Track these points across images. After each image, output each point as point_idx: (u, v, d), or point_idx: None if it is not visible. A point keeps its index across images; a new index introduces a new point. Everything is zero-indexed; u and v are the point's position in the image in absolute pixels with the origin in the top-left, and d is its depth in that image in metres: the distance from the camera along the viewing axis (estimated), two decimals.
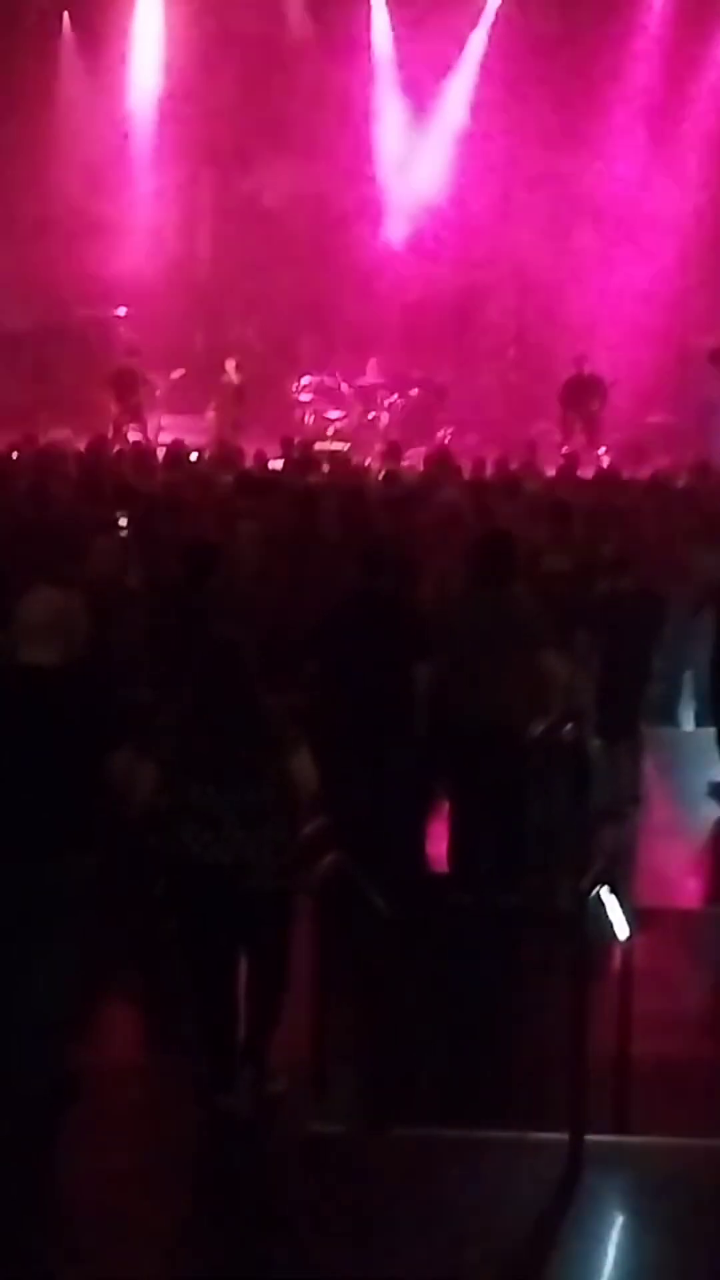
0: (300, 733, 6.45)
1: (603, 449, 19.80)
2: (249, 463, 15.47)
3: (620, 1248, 5.71)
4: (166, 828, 6.26)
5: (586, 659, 9.64)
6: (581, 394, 20.48)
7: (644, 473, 16.23)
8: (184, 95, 22.12)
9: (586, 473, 16.44)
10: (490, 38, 22.36)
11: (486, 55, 22.34)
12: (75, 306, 21.90)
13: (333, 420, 21.42)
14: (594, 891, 6.33)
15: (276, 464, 16.04)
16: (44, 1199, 5.79)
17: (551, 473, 15.73)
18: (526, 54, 21.49)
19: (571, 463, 16.89)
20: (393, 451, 17.01)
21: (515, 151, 21.75)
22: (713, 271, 21.56)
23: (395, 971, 6.96)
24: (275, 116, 22.26)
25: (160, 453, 16.19)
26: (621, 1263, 5.63)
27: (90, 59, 21.39)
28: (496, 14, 22.37)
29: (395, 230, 22.78)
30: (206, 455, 16.37)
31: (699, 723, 11.14)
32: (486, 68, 22.31)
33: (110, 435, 19.35)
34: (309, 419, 21.43)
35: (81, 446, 16.27)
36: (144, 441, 18.74)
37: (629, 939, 6.43)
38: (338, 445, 19.90)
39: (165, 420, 20.84)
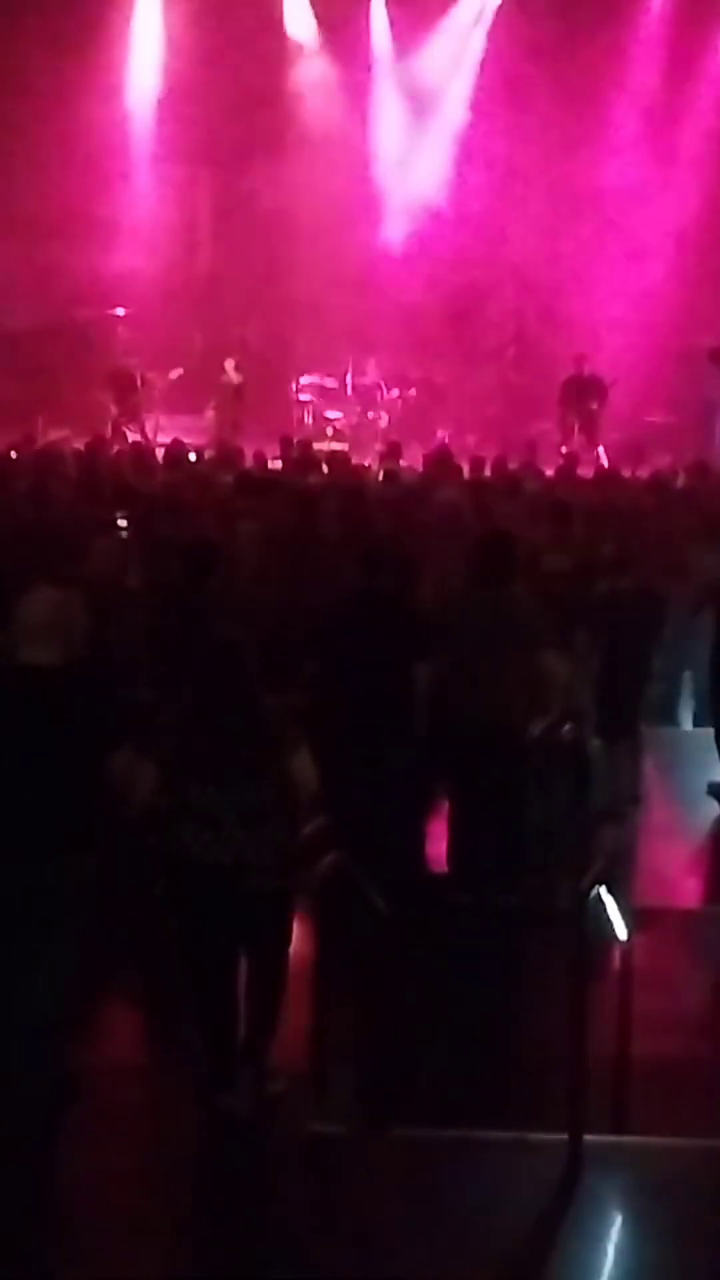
0: (300, 733, 6.45)
1: (602, 448, 19.81)
2: (248, 462, 15.47)
3: (619, 1248, 5.71)
4: (166, 828, 6.26)
5: (586, 659, 9.64)
6: (581, 394, 20.47)
7: (644, 472, 16.23)
8: (183, 95, 22.10)
9: (586, 472, 16.44)
10: (490, 38, 22.35)
11: (486, 55, 22.33)
12: (74, 306, 21.87)
13: (332, 420, 21.41)
14: (594, 891, 6.33)
15: (276, 464, 16.04)
16: (44, 1199, 5.79)
17: (551, 472, 15.73)
18: (526, 54, 21.48)
19: (571, 462, 16.89)
20: (392, 451, 17.00)
21: (515, 151, 21.73)
22: (713, 271, 21.54)
23: (395, 971, 6.98)
24: (276, 117, 22.25)
25: (159, 453, 16.20)
26: (621, 1263, 5.63)
27: (90, 59, 21.35)
28: (496, 14, 22.36)
29: (395, 230, 22.75)
30: (206, 455, 16.37)
31: (698, 723, 11.14)
32: (486, 68, 22.31)
33: (109, 435, 19.36)
34: (308, 419, 21.42)
35: (80, 446, 16.27)
36: (143, 441, 18.74)
37: (629, 939, 6.43)
38: (337, 445, 19.91)
39: (164, 420, 20.85)
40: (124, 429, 20.33)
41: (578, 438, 20.22)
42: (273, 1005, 6.43)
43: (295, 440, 17.88)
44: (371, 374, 21.80)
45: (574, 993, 6.11)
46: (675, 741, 11.16)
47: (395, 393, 21.65)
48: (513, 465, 15.89)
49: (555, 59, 21.27)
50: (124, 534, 10.94)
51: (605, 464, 18.11)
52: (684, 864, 9.53)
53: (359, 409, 21.58)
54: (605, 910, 6.37)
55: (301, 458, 16.17)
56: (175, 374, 21.47)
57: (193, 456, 16.12)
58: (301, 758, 6.38)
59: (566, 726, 8.93)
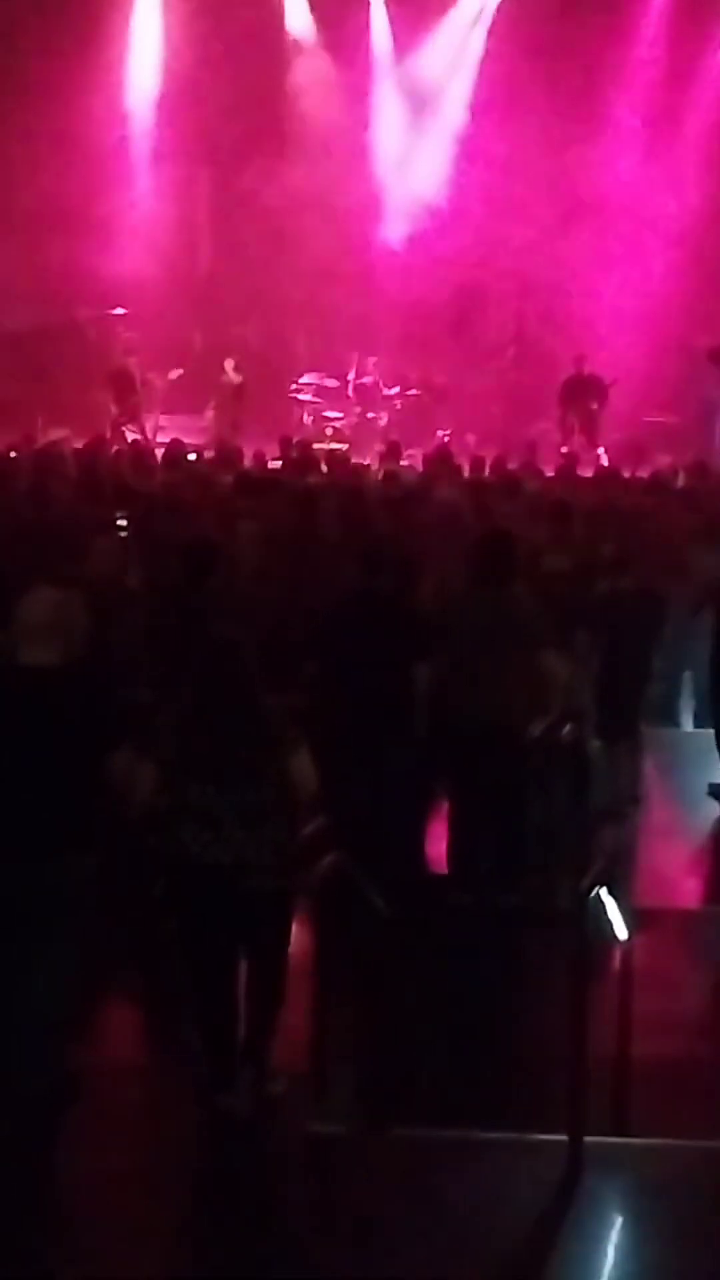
0: (300, 733, 6.45)
1: (602, 449, 19.81)
2: (248, 462, 15.47)
3: (620, 1249, 5.70)
4: (166, 828, 6.25)
5: (586, 659, 9.64)
6: (581, 394, 20.49)
7: (644, 472, 16.23)
8: (183, 94, 22.10)
9: (586, 472, 16.44)
10: (490, 37, 22.36)
11: (486, 55, 22.34)
12: (74, 306, 21.87)
13: (332, 420, 21.41)
14: (594, 891, 6.32)
15: (276, 464, 16.03)
16: (44, 1199, 5.79)
17: (551, 473, 15.73)
18: (526, 53, 21.48)
19: (571, 462, 16.89)
20: (392, 451, 17.01)
21: (515, 151, 21.73)
22: (713, 271, 21.55)
23: (395, 971, 6.98)
24: (275, 116, 22.27)
25: (159, 453, 16.19)
26: (621, 1264, 5.62)
27: (89, 58, 21.35)
28: (496, 14, 22.37)
29: (395, 230, 22.77)
30: (206, 455, 16.37)
31: (698, 723, 11.14)
32: (486, 67, 22.32)
33: (109, 435, 19.35)
34: (308, 419, 21.42)
35: (80, 446, 16.26)
36: (143, 441, 18.74)
37: (629, 939, 6.43)
38: (337, 445, 19.91)
39: (164, 420, 20.85)
40: (124, 429, 20.33)
41: (578, 438, 20.24)
42: (273, 1005, 6.43)
43: (295, 440, 17.89)
44: (371, 374, 21.81)
45: (574, 993, 6.10)
46: (675, 742, 11.16)
47: (395, 393, 21.65)
48: (513, 465, 15.89)
49: (555, 59, 21.27)
50: (124, 534, 10.94)
51: (605, 464, 18.10)
52: (684, 864, 9.53)
53: (359, 409, 21.57)
54: (605, 910, 6.37)
55: (301, 458, 16.16)
56: (175, 374, 21.48)
57: (192, 456, 16.11)
58: (301, 758, 6.37)
59: (566, 727, 8.92)
